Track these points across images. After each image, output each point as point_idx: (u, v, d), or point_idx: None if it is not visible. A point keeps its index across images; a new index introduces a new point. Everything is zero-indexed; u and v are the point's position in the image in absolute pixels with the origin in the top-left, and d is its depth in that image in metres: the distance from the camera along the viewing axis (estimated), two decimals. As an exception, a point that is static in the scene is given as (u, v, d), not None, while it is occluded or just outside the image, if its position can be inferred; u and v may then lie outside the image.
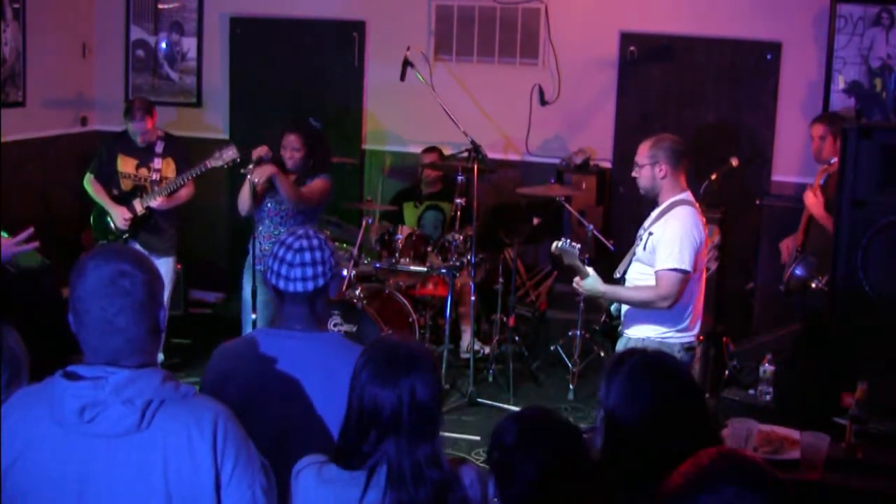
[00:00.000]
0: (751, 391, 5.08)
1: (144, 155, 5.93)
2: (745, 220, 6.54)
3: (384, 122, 7.40)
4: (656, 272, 4.03)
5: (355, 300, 5.74)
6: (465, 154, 6.09)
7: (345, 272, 5.69)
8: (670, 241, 4.01)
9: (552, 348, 6.39)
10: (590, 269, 4.16)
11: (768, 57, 6.58)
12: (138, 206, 5.86)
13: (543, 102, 7.01)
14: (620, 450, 2.13)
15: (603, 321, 4.48)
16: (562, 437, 2.04)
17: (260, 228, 5.30)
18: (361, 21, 7.29)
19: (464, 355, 6.30)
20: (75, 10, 7.46)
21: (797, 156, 6.58)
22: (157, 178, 5.93)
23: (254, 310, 5.17)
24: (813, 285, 5.32)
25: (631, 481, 2.04)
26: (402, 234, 6.12)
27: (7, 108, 6.59)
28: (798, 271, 5.46)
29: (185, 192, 5.92)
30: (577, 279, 4.22)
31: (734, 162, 5.90)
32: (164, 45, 7.65)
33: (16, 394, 2.09)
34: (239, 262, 5.58)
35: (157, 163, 5.94)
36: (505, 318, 6.37)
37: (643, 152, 4.16)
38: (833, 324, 4.56)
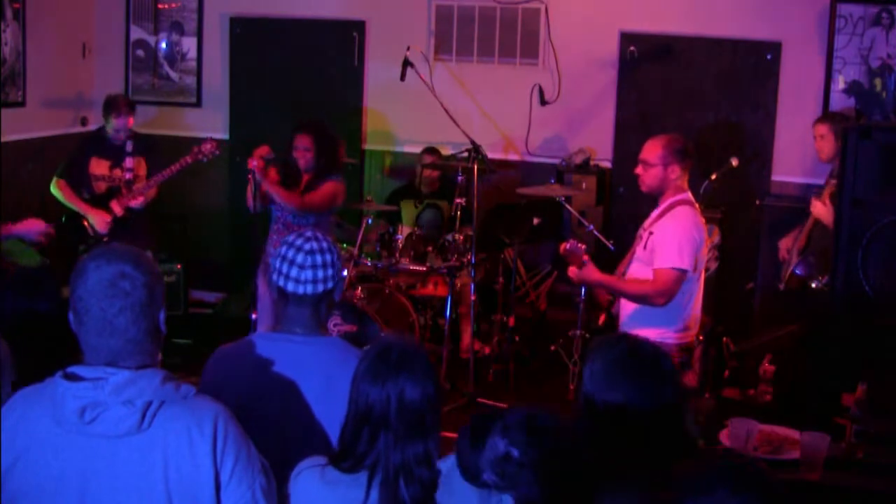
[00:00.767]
0: (751, 391, 5.08)
1: (117, 155, 5.89)
2: (745, 220, 6.54)
3: (384, 122, 7.40)
4: (655, 269, 4.03)
5: (355, 300, 5.74)
6: (465, 154, 6.09)
7: (345, 272, 5.69)
8: (671, 240, 4.01)
9: (552, 348, 6.39)
10: (586, 259, 4.16)
11: (768, 57, 6.58)
12: (117, 207, 5.81)
13: (543, 102, 7.01)
14: (595, 432, 2.13)
15: (602, 321, 4.48)
16: (553, 433, 2.02)
17: (274, 227, 5.33)
18: (361, 21, 7.29)
19: (464, 355, 6.30)
20: (75, 10, 7.46)
21: (797, 156, 6.58)
22: (131, 178, 5.89)
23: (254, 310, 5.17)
24: (813, 285, 5.32)
25: (606, 463, 2.04)
26: (402, 234, 6.12)
27: (7, 108, 6.58)
28: (798, 271, 5.47)
29: (154, 190, 5.93)
30: (572, 268, 4.21)
31: (734, 162, 5.89)
32: (164, 45, 7.65)
33: (17, 393, 2.09)
34: (239, 262, 5.58)
35: (130, 162, 5.89)
36: (505, 318, 6.37)
37: (655, 152, 4.13)
38: (833, 324, 4.56)
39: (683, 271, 3.99)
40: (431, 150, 6.87)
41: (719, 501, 1.46)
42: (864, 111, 6.34)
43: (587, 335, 6.14)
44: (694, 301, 4.16)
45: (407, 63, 6.10)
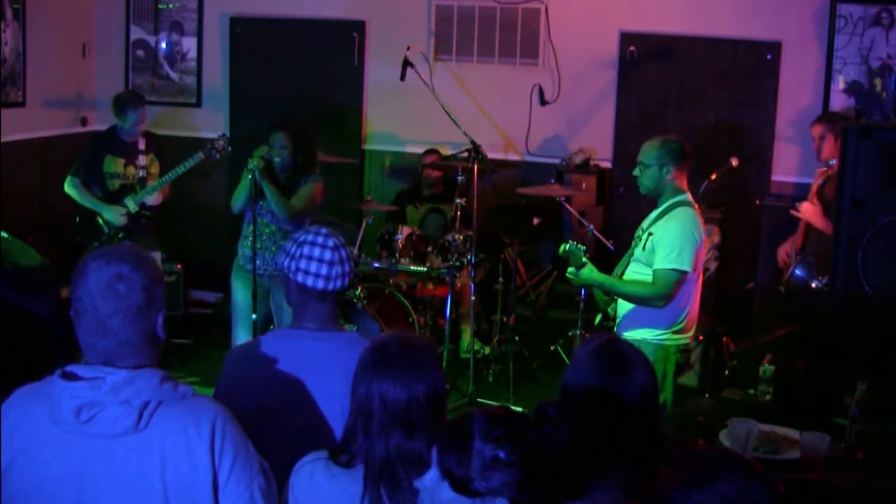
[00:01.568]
0: (751, 391, 5.08)
1: (130, 153, 5.98)
2: (745, 220, 6.54)
3: (384, 122, 7.40)
4: (654, 270, 4.03)
5: (355, 300, 5.73)
6: (465, 154, 6.09)
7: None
8: (671, 241, 4.01)
9: (552, 348, 6.39)
10: (585, 259, 4.17)
11: (768, 57, 6.58)
12: (132, 204, 5.88)
13: (543, 102, 7.01)
14: (566, 414, 2.16)
15: (599, 321, 4.48)
16: (527, 426, 2.01)
17: (250, 228, 5.15)
18: (361, 21, 7.29)
19: (464, 355, 6.30)
20: (75, 10, 7.46)
21: (797, 156, 6.58)
22: (144, 175, 5.98)
23: (254, 310, 5.15)
24: (813, 285, 5.32)
25: (577, 452, 2.06)
26: (402, 234, 6.12)
27: (7, 108, 6.59)
28: (798, 271, 5.47)
29: (168, 187, 6.03)
30: (572, 270, 4.21)
31: (734, 162, 5.90)
32: (164, 45, 7.65)
33: (16, 392, 2.09)
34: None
35: (143, 160, 6.00)
36: (505, 318, 6.37)
37: (650, 153, 4.16)
38: (833, 324, 4.55)
39: (684, 273, 3.99)
40: (431, 151, 6.87)
41: (720, 494, 1.46)
42: (864, 111, 6.33)
43: (587, 335, 6.14)
44: (692, 301, 4.15)
45: (407, 63, 6.09)
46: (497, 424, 1.92)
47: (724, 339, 5.70)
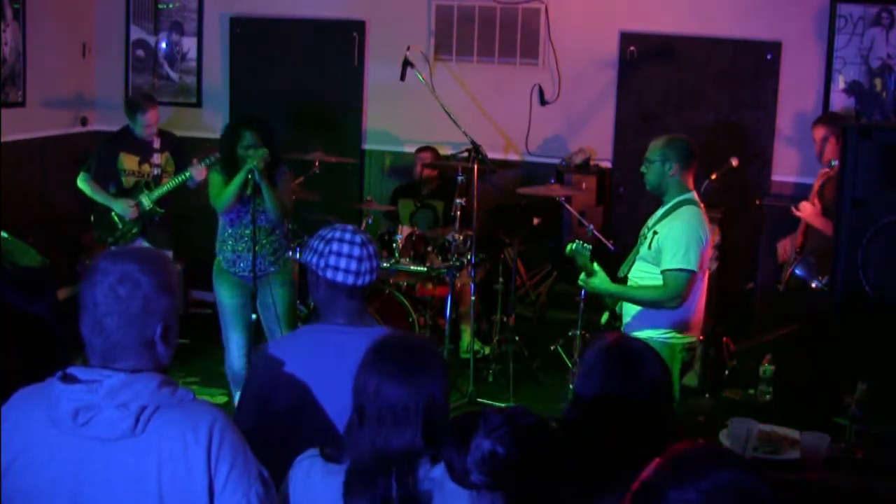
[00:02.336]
0: (751, 391, 5.08)
1: (145, 151, 6.05)
2: (745, 220, 6.54)
3: (384, 121, 7.40)
4: (663, 272, 4.04)
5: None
6: (465, 154, 6.09)
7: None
8: (677, 240, 4.02)
9: (552, 348, 6.39)
10: (598, 268, 4.20)
11: (768, 57, 6.58)
12: (146, 200, 5.98)
13: (543, 102, 7.01)
14: (580, 422, 2.16)
15: (606, 320, 4.49)
16: (535, 430, 2.01)
17: (230, 231, 5.06)
18: (361, 21, 7.29)
19: (464, 355, 6.30)
20: (75, 10, 7.46)
21: (797, 156, 6.58)
22: (159, 174, 6.07)
23: (254, 310, 5.12)
24: (813, 285, 5.32)
25: (591, 451, 2.06)
26: (402, 234, 6.12)
27: (7, 108, 6.59)
28: (798, 271, 5.47)
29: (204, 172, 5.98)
30: (583, 277, 4.24)
31: (734, 162, 5.89)
32: (164, 45, 7.65)
33: (18, 393, 2.08)
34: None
35: (157, 158, 6.09)
36: (505, 318, 6.37)
37: (655, 150, 4.19)
38: (833, 324, 4.55)
39: (692, 272, 4.00)
40: (427, 149, 6.87)
41: (702, 491, 1.45)
42: (864, 111, 6.33)
43: (587, 335, 6.14)
44: (698, 300, 4.16)
45: (407, 63, 6.09)
46: (503, 422, 1.92)
47: (724, 339, 5.70)
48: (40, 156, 7.04)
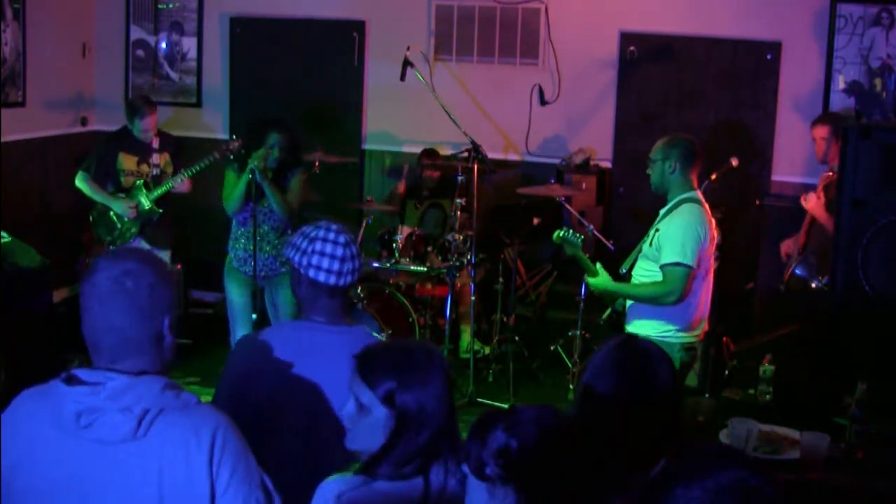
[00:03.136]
0: (751, 391, 5.07)
1: (144, 151, 6.06)
2: (745, 220, 6.54)
3: (384, 121, 7.40)
4: (661, 267, 4.06)
5: (355, 300, 5.73)
6: (465, 154, 6.09)
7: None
8: (673, 236, 4.04)
9: (552, 348, 6.39)
10: (598, 267, 4.21)
11: (768, 57, 6.58)
12: (145, 200, 5.96)
13: (543, 102, 7.01)
14: (590, 422, 2.16)
15: (609, 316, 4.50)
16: (554, 427, 2.01)
17: (243, 230, 5.17)
18: (361, 21, 7.29)
19: (464, 355, 6.30)
20: (75, 10, 7.47)
21: (797, 156, 6.58)
22: (157, 173, 6.08)
23: (254, 309, 5.15)
24: (813, 285, 5.32)
25: (600, 451, 2.06)
26: (402, 234, 6.12)
27: (7, 108, 6.59)
28: (798, 271, 5.47)
29: (189, 183, 6.08)
30: (587, 277, 4.28)
31: (734, 162, 5.89)
32: (164, 45, 7.65)
33: (23, 393, 2.07)
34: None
35: (156, 158, 6.10)
36: (505, 318, 6.37)
37: (657, 149, 4.23)
38: (833, 324, 4.55)
39: (689, 267, 4.00)
40: (430, 151, 6.87)
41: (711, 490, 1.46)
42: (864, 111, 6.33)
43: (587, 335, 6.14)
44: (699, 299, 4.16)
45: (407, 63, 6.09)
46: (523, 418, 1.93)
47: (724, 339, 5.69)
48: (40, 156, 7.04)
